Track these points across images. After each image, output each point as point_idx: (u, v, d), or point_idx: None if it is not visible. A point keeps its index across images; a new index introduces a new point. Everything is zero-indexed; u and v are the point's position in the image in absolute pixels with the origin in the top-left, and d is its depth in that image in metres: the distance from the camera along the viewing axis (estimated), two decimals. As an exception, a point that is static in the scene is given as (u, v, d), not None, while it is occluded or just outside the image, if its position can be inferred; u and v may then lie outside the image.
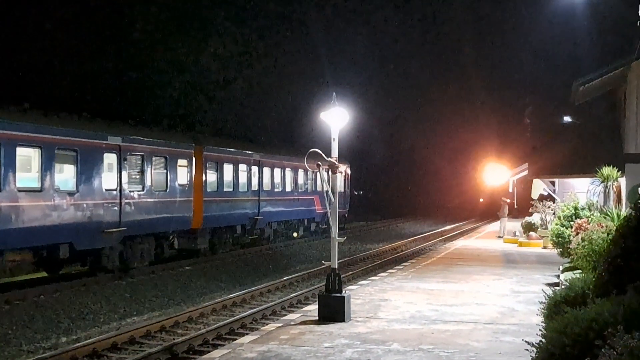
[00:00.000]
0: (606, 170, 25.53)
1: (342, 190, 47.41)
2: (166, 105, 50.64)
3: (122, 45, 48.55)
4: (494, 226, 51.06)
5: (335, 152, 16.23)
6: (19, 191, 21.47)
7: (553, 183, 39.98)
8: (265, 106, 59.14)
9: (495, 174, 71.11)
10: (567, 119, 44.51)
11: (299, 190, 43.88)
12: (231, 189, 34.81)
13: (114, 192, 25.62)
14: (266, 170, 39.13)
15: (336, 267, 16.05)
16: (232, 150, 35.48)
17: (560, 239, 24.85)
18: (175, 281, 26.24)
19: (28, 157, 22.40)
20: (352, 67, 67.56)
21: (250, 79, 56.98)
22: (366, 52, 72.66)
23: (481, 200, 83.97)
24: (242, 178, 36.15)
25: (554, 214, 31.83)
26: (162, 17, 50.46)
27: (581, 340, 7.26)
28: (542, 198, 38.46)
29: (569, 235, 23.10)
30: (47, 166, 22.50)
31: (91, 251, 25.04)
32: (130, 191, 26.55)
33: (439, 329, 14.88)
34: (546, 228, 33.55)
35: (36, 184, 22.28)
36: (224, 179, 34.22)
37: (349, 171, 52.31)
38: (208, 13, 53.04)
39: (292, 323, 15.64)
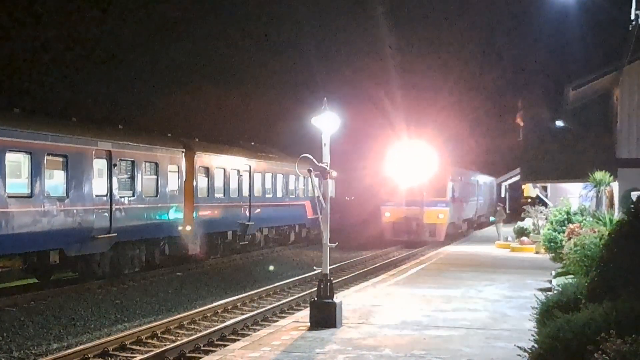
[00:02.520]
0: (598, 174, 25.56)
1: (334, 195, 47.12)
2: (158, 111, 50.63)
3: (115, 51, 48.55)
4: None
5: (326, 158, 16.17)
6: (9, 197, 21.34)
7: (545, 188, 40.03)
8: (256, 111, 59.18)
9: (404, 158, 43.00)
10: (559, 123, 44.50)
11: (290, 196, 43.75)
12: (222, 195, 34.69)
13: (104, 198, 25.51)
14: (257, 176, 39.02)
15: (327, 272, 15.98)
16: (223, 155, 35.38)
17: (552, 244, 24.88)
18: (166, 287, 26.12)
19: (18, 163, 22.27)
20: (344, 72, 67.58)
21: (242, 85, 57.06)
22: (360, 55, 72.75)
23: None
24: (233, 183, 36.04)
25: (546, 218, 31.84)
26: (156, 26, 50.50)
27: (574, 346, 7.22)
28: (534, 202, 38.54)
29: (562, 240, 23.12)
30: (36, 172, 22.37)
31: (82, 257, 24.91)
32: (120, 197, 26.43)
33: (431, 334, 14.82)
34: (538, 233, 33.55)
35: (26, 190, 22.14)
36: (215, 184, 34.11)
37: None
38: (204, 20, 53.14)
39: (284, 329, 15.57)
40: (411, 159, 41.60)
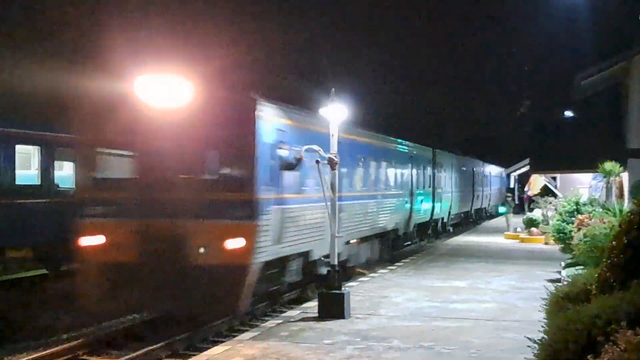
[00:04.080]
0: (608, 165, 25.47)
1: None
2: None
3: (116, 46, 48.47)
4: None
5: (334, 148, 16.16)
6: (20, 188, 21.37)
7: (554, 178, 39.95)
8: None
9: None
10: (568, 113, 44.46)
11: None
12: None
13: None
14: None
15: (336, 263, 15.99)
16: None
17: (561, 235, 24.84)
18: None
19: (28, 155, 22.31)
20: (351, 64, 67.37)
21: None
22: (367, 50, 72.58)
23: None
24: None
25: (555, 209, 31.78)
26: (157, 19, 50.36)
27: (584, 337, 7.19)
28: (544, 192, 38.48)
29: (571, 230, 23.07)
30: (47, 164, 22.38)
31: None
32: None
33: (440, 325, 14.81)
34: (548, 224, 33.49)
35: (36, 182, 22.17)
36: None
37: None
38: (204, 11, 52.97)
39: (292, 320, 15.60)
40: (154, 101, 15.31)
